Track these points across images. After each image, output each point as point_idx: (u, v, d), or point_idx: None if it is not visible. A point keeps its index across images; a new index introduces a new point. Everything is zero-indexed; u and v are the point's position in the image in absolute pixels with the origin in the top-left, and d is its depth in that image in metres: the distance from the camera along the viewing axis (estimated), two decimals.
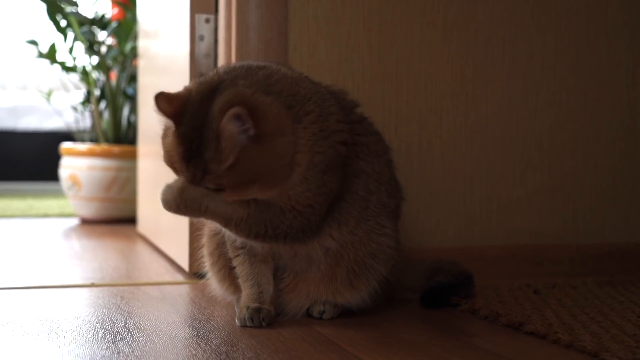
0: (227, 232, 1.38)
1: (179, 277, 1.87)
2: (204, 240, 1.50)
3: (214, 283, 1.51)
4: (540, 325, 1.32)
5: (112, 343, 1.22)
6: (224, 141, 1.20)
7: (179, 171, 1.27)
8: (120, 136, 3.28)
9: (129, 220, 3.14)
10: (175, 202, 1.26)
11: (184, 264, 1.90)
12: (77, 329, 1.31)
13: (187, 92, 1.27)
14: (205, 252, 1.50)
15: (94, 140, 3.36)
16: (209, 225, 1.49)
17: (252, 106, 1.21)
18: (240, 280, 1.40)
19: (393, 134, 1.76)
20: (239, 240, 1.36)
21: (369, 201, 1.39)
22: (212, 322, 1.38)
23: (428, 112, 1.80)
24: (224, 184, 1.24)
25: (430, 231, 1.81)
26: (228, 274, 1.45)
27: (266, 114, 1.23)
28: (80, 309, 1.50)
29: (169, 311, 1.47)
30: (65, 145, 3.24)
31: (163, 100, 1.24)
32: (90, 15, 3.24)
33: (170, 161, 1.28)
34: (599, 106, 1.91)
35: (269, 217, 1.29)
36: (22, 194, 4.55)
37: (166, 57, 2.21)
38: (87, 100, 3.41)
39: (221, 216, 1.28)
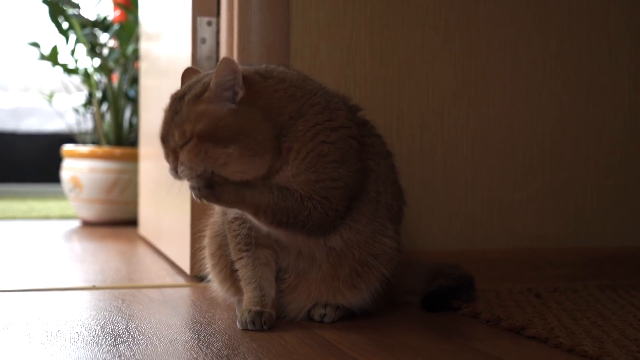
0: (230, 235, 1.40)
1: (180, 280, 1.87)
2: (206, 241, 1.51)
3: (215, 284, 1.51)
4: (541, 329, 1.32)
5: (114, 346, 1.22)
6: (213, 84, 1.25)
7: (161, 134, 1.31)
8: (122, 138, 3.28)
9: (130, 222, 3.14)
10: (227, 192, 1.29)
11: (185, 266, 1.90)
12: (79, 332, 1.31)
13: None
14: (207, 254, 1.51)
15: (96, 142, 3.36)
16: (211, 227, 1.49)
17: (247, 76, 1.28)
18: (242, 283, 1.40)
19: (395, 137, 1.76)
20: (265, 229, 1.36)
21: (378, 202, 1.41)
22: (213, 326, 1.38)
23: (430, 115, 1.80)
24: (193, 133, 1.25)
25: (431, 234, 1.80)
26: (229, 275, 1.45)
27: (259, 87, 1.30)
28: (81, 312, 1.50)
29: (170, 314, 1.47)
30: (67, 147, 3.24)
31: (188, 72, 1.40)
32: (92, 17, 3.24)
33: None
34: (600, 109, 1.91)
35: (290, 205, 1.30)
36: (23, 196, 4.56)
37: (168, 60, 2.22)
38: (88, 102, 3.41)
39: (253, 202, 1.30)
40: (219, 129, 1.26)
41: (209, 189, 1.28)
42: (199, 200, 1.31)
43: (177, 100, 1.31)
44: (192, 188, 1.29)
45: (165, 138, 1.30)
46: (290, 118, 1.30)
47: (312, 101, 1.33)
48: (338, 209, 1.33)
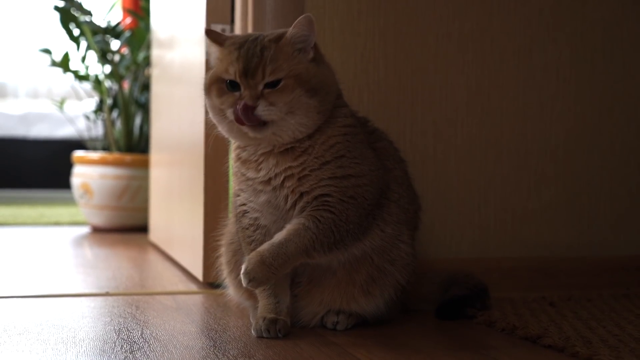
0: (244, 243, 1.40)
1: (193, 287, 1.87)
2: (222, 250, 1.51)
3: (231, 290, 1.52)
4: (557, 338, 1.31)
5: (130, 353, 1.22)
6: (290, 34, 1.29)
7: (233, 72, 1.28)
8: (132, 145, 3.29)
9: (140, 229, 3.14)
10: (265, 271, 1.27)
11: (198, 273, 1.90)
12: (94, 339, 1.31)
13: None
14: (223, 261, 1.51)
15: (106, 148, 3.37)
16: (227, 235, 1.49)
17: (316, 43, 1.32)
18: (257, 290, 1.40)
19: (408, 145, 1.76)
20: (324, 263, 1.37)
21: (399, 205, 1.41)
22: (228, 333, 1.38)
23: (443, 124, 1.80)
24: (281, 70, 1.27)
25: (444, 243, 1.80)
26: None
27: (324, 58, 1.36)
28: (96, 318, 1.50)
29: (184, 321, 1.47)
30: (78, 154, 3.25)
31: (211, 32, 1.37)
32: (103, 24, 3.26)
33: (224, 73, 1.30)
34: (614, 118, 1.91)
35: (327, 222, 1.30)
36: (33, 202, 4.57)
37: (181, 67, 2.22)
38: (99, 109, 3.42)
39: (299, 251, 1.29)
40: (311, 77, 1.29)
41: (253, 274, 1.27)
42: (252, 287, 1.32)
43: (255, 39, 1.30)
44: (246, 284, 1.28)
45: (253, 72, 1.26)
46: (329, 117, 1.34)
47: (343, 101, 1.39)
48: (365, 207, 1.34)
